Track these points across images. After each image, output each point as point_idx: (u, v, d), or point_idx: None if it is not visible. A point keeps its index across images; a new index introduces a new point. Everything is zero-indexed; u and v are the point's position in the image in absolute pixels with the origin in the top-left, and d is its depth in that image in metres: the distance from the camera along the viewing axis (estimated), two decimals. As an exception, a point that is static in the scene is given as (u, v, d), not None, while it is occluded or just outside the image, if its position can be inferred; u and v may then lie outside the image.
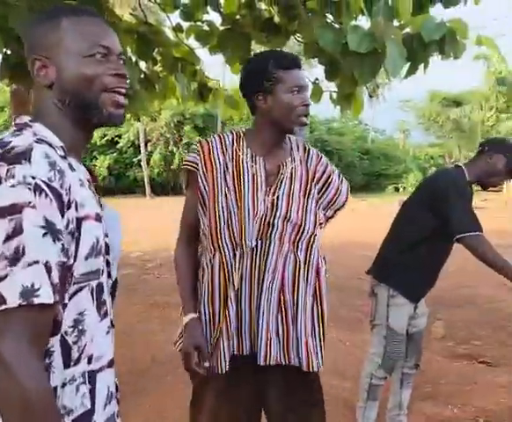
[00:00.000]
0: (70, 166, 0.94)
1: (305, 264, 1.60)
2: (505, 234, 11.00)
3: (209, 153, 1.64)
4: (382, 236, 2.68)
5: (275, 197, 1.59)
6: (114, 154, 31.08)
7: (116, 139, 30.80)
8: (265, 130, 1.63)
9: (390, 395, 2.77)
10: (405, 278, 2.43)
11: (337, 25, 3.09)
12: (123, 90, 1.02)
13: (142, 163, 30.43)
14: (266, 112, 1.61)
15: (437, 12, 3.29)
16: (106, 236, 1.02)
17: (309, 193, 1.64)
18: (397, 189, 32.21)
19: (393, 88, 38.48)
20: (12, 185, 0.81)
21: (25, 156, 0.84)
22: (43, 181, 0.83)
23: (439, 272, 2.57)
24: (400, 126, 43.76)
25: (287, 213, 1.57)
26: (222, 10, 3.81)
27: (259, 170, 1.61)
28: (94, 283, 0.97)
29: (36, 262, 0.80)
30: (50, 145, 0.91)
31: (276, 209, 1.57)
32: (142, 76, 4.25)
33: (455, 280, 5.84)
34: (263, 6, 3.93)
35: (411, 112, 38.96)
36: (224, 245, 1.57)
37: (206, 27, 3.96)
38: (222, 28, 3.77)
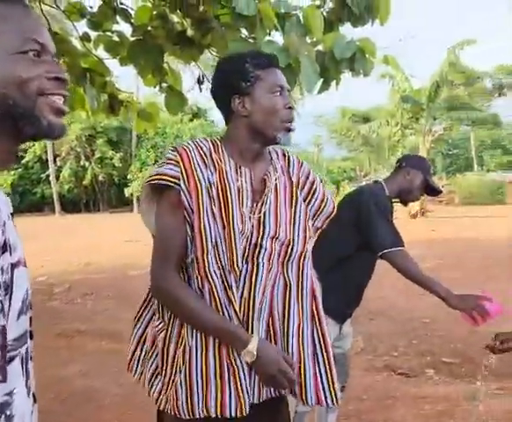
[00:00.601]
0: None
1: (298, 286, 1.42)
2: (414, 243, 11.67)
3: (190, 164, 1.38)
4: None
5: (262, 214, 1.39)
6: (19, 170, 29.20)
7: (21, 153, 28.97)
8: (245, 139, 1.42)
9: (315, 420, 2.67)
10: (329, 298, 2.39)
11: (251, 40, 3.09)
12: (64, 94, 0.83)
13: (50, 179, 28.85)
14: (244, 118, 1.41)
15: (347, 31, 3.39)
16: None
17: (296, 204, 1.47)
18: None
19: (307, 103, 39.84)
20: None
21: None
22: None
23: (364, 290, 2.55)
24: (314, 140, 45.38)
25: (275, 231, 1.39)
26: (132, 20, 3.67)
27: (244, 183, 1.40)
28: (23, 349, 0.78)
29: None
30: None
31: (264, 228, 1.38)
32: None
33: (371, 292, 6.02)
34: (176, 19, 3.84)
35: (324, 127, 40.57)
36: (213, 272, 1.35)
37: (116, 38, 3.80)
38: (132, 39, 3.62)
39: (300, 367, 1.39)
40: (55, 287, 7.54)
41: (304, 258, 1.45)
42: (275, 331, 1.39)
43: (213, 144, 1.44)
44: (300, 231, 1.45)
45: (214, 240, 1.34)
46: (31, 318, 0.84)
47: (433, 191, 2.55)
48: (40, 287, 7.49)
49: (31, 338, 0.84)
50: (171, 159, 1.39)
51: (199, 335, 1.35)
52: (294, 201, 1.47)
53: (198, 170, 1.37)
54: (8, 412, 0.73)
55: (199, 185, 1.36)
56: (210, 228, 1.34)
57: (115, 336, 4.94)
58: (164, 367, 1.41)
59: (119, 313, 5.82)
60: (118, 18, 3.72)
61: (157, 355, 1.44)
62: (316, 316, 1.45)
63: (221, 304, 1.34)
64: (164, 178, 1.37)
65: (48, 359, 4.10)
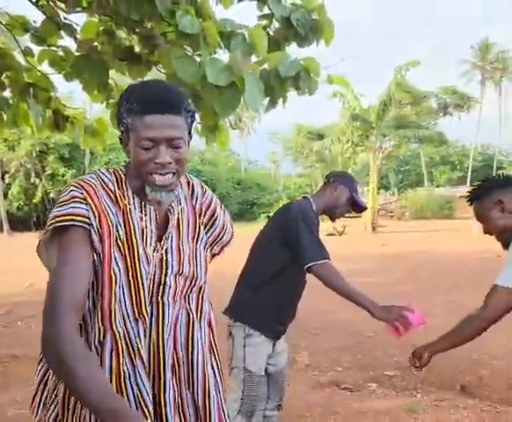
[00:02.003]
0: None
1: (197, 317, 1.39)
2: (365, 258, 11.93)
3: (99, 202, 1.26)
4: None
5: (164, 251, 1.33)
6: (-35, 187, 28.01)
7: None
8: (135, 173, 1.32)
9: None
10: (261, 315, 2.36)
11: (196, 57, 3.11)
12: None
13: (-2, 197, 27.79)
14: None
15: (292, 52, 3.47)
16: None
17: (198, 236, 1.42)
18: (269, 217, 33.42)
19: (262, 120, 40.30)
20: None
21: None
22: None
23: (297, 305, 2.55)
24: (271, 157, 45.88)
25: (179, 268, 1.33)
26: (77, 35, 3.62)
27: (148, 222, 1.32)
28: None
29: None
30: None
31: (167, 266, 1.32)
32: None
33: (316, 307, 6.05)
34: (123, 35, 3.82)
35: (279, 144, 41.10)
36: (117, 322, 1.25)
37: (60, 52, 3.74)
38: (77, 54, 3.57)
39: (204, 399, 1.36)
40: (-5, 310, 7.18)
41: (204, 289, 1.42)
42: (179, 364, 1.34)
43: (116, 178, 1.33)
44: (202, 264, 1.41)
45: (120, 288, 1.25)
46: None
47: (358, 207, 2.58)
48: (-21, 310, 7.11)
49: None
50: (76, 197, 1.25)
51: None
52: (197, 233, 1.42)
53: (107, 208, 1.27)
54: None
55: (111, 226, 1.26)
56: (118, 274, 1.25)
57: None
58: (65, 419, 1.30)
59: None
60: (63, 32, 3.67)
61: (57, 402, 1.32)
62: (214, 348, 1.45)
63: (124, 357, 1.26)
64: (73, 218, 1.23)
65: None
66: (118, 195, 1.30)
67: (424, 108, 25.94)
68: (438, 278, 9.03)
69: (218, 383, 1.43)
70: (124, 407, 1.13)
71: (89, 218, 1.24)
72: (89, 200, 1.26)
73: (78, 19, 3.72)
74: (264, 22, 3.67)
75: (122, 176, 1.34)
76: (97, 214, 1.25)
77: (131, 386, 1.26)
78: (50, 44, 3.73)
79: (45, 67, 3.86)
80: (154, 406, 1.29)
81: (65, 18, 3.59)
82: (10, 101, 4.13)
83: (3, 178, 28.58)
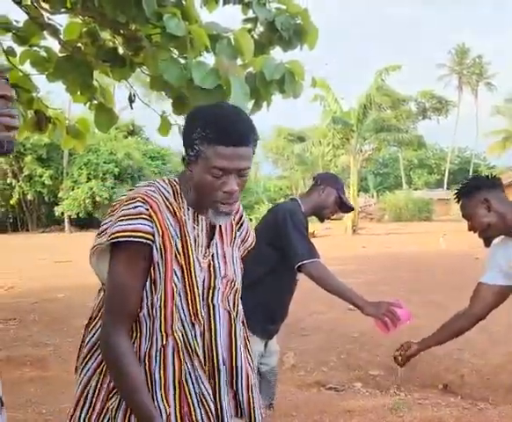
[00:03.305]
0: None
1: (235, 316, 1.44)
2: (345, 260, 12.04)
3: (162, 218, 1.30)
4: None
5: (211, 257, 1.39)
6: None
7: None
8: (194, 194, 1.36)
9: None
10: (253, 316, 2.39)
11: (182, 60, 3.12)
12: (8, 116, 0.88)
13: (-27, 198, 27.23)
14: (190, 179, 1.35)
15: (277, 56, 3.50)
16: None
17: (234, 239, 1.49)
18: (250, 219, 33.38)
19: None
20: None
21: None
22: None
23: (288, 304, 2.59)
24: (251, 159, 45.86)
25: (225, 271, 1.41)
26: (61, 36, 3.59)
27: (200, 231, 1.38)
28: None
29: None
30: None
31: (214, 270, 1.39)
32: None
33: (302, 308, 6.10)
34: (107, 36, 3.80)
35: (260, 146, 41.17)
36: (177, 327, 1.32)
37: (43, 53, 3.70)
38: (60, 55, 3.54)
39: (248, 398, 1.42)
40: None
41: (240, 290, 1.48)
42: (224, 363, 1.39)
43: (173, 190, 1.37)
44: (238, 266, 1.48)
45: (179, 296, 1.32)
46: None
47: (346, 207, 2.64)
48: None
49: None
50: (142, 213, 1.28)
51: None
52: (233, 237, 1.49)
53: (168, 223, 1.32)
54: None
55: (172, 241, 1.31)
56: (178, 284, 1.31)
57: (38, 363, 4.71)
58: None
59: (43, 338, 5.53)
60: (46, 33, 3.63)
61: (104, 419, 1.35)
62: (248, 344, 1.50)
63: (184, 357, 1.32)
64: (140, 235, 1.27)
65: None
66: (175, 207, 1.34)
67: (404, 112, 26.32)
68: (417, 278, 9.17)
69: (255, 381, 1.48)
70: (158, 416, 1.27)
71: (153, 235, 1.28)
72: (154, 217, 1.29)
73: (62, 20, 3.69)
74: (248, 26, 3.70)
75: (178, 187, 1.37)
76: (161, 232, 1.29)
77: (192, 384, 1.33)
78: (33, 44, 3.69)
79: (27, 67, 3.82)
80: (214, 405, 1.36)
81: (49, 19, 3.56)
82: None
83: (-22, 180, 28.02)
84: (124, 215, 1.28)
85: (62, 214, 29.68)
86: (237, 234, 1.51)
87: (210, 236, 1.42)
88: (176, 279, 1.32)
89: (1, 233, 28.35)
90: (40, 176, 29.26)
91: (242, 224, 1.54)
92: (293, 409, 3.44)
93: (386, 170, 48.54)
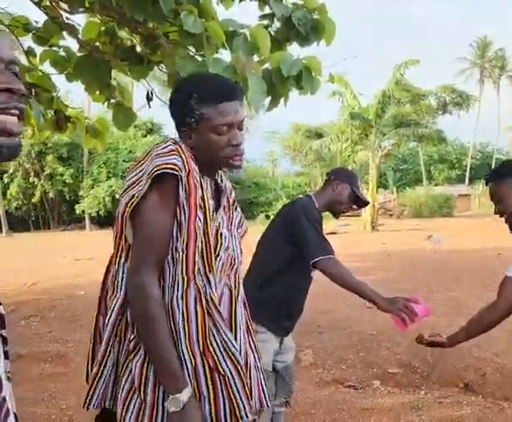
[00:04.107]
0: None
1: (237, 297, 1.42)
2: (364, 257, 11.95)
3: (188, 155, 1.32)
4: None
5: (217, 223, 1.39)
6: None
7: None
8: (199, 157, 1.38)
9: None
10: (268, 312, 2.37)
11: (199, 57, 3.12)
12: (18, 107, 0.78)
13: (-4, 197, 27.74)
14: (191, 149, 1.37)
15: (294, 52, 3.47)
16: None
17: (233, 219, 1.49)
18: (267, 217, 33.45)
19: (260, 119, 40.31)
20: None
21: None
22: None
23: (304, 301, 2.57)
24: (269, 156, 45.84)
25: (228, 243, 1.40)
26: (79, 36, 3.63)
27: (209, 192, 1.40)
28: None
29: None
30: None
31: (221, 237, 1.38)
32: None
33: (320, 306, 6.08)
34: (125, 35, 3.83)
35: (278, 143, 41.10)
36: (198, 274, 1.30)
37: (62, 53, 3.74)
38: (79, 54, 3.58)
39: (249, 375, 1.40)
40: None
41: (240, 271, 1.47)
42: None
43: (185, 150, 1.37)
44: (238, 246, 1.47)
45: (200, 241, 1.32)
46: (4, 339, 0.82)
47: (361, 202, 2.62)
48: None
49: (6, 357, 0.82)
50: (173, 150, 1.30)
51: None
52: (231, 215, 1.49)
53: (193, 167, 1.32)
54: None
55: (197, 184, 1.32)
56: (200, 228, 1.31)
57: (58, 359, 4.78)
58: (143, 389, 1.29)
59: (64, 335, 5.61)
60: (65, 33, 3.67)
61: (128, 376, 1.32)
62: (250, 327, 1.49)
63: (207, 308, 1.30)
64: (171, 166, 1.27)
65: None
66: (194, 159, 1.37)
67: (423, 106, 25.91)
68: (438, 275, 9.04)
69: (257, 362, 1.47)
70: (185, 376, 1.25)
71: (181, 170, 1.28)
72: (182, 155, 1.30)
73: (80, 20, 3.74)
74: (265, 22, 3.69)
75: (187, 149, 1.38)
76: (187, 169, 1.30)
77: (214, 336, 1.31)
78: (52, 44, 3.73)
79: (46, 67, 3.87)
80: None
81: (67, 19, 3.60)
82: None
83: (1, 178, 28.52)
84: (158, 154, 1.30)
85: (83, 212, 30.04)
86: (235, 214, 1.52)
87: (216, 203, 1.44)
88: (199, 222, 1.31)
89: (23, 231, 28.89)
90: (62, 174, 29.68)
91: (237, 207, 1.55)
92: (311, 406, 3.43)
93: (406, 166, 47.95)
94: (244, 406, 1.31)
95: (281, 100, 3.54)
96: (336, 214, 2.62)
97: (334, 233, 19.00)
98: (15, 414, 0.83)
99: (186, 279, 1.29)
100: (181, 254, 1.29)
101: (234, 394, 1.31)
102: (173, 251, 1.30)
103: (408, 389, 3.91)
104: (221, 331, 1.32)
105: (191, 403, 1.24)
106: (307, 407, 3.42)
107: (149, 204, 1.28)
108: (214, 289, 1.32)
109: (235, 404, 1.31)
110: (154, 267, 1.27)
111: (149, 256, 1.27)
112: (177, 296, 1.29)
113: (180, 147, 1.32)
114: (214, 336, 1.31)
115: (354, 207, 2.66)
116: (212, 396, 1.29)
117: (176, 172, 1.27)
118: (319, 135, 28.28)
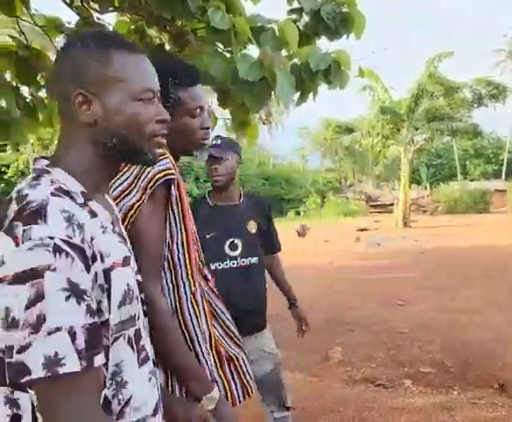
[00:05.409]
0: (91, 212, 0.90)
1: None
2: (398, 253, 11.76)
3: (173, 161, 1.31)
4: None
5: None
6: (1, 185, 28.81)
7: (4, 169, 28.61)
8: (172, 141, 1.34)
9: None
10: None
11: (227, 54, 3.12)
12: (164, 133, 1.00)
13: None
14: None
15: (323, 46, 3.44)
16: (138, 272, 1.00)
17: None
18: (298, 213, 33.33)
19: (291, 115, 40.20)
20: (30, 248, 0.77)
21: (40, 214, 0.79)
22: (62, 240, 0.79)
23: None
24: (299, 151, 45.67)
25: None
26: (110, 35, 3.69)
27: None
28: (131, 331, 0.93)
29: (58, 329, 0.76)
30: (68, 193, 0.87)
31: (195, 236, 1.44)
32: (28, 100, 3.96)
33: (349, 303, 6.01)
34: (154, 33, 3.87)
35: (308, 139, 40.89)
36: (197, 277, 1.34)
37: (94, 52, 3.81)
38: (110, 53, 3.63)
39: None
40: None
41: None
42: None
43: None
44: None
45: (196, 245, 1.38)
46: (144, 302, 1.01)
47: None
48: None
49: (145, 315, 1.02)
50: (162, 153, 1.23)
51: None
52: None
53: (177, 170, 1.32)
54: (118, 379, 0.89)
55: (184, 185, 1.34)
56: (193, 228, 1.34)
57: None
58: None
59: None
60: (96, 33, 3.74)
61: None
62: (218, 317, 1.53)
63: (208, 295, 1.38)
64: (166, 173, 1.24)
65: None
66: None
67: (457, 100, 25.23)
68: (471, 272, 8.82)
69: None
70: (208, 377, 1.28)
71: (173, 173, 1.27)
72: (169, 156, 1.29)
73: (110, 19, 3.79)
74: (293, 16, 3.66)
75: None
76: (176, 171, 1.29)
77: (216, 320, 1.38)
78: (84, 44, 3.81)
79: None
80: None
81: (98, 19, 3.66)
82: (46, 101, 4.23)
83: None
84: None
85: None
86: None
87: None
88: (191, 223, 1.33)
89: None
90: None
91: None
92: (340, 404, 3.40)
93: (440, 161, 46.89)
94: (251, 379, 1.41)
95: (310, 95, 3.51)
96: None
97: (365, 230, 18.80)
98: (153, 360, 1.01)
99: (192, 281, 1.29)
100: (182, 259, 1.28)
101: (243, 372, 1.39)
102: (168, 258, 1.29)
103: (440, 389, 3.83)
104: (217, 310, 1.39)
105: (222, 399, 1.29)
106: (335, 405, 3.39)
107: (146, 214, 1.25)
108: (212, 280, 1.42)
109: (245, 382, 1.39)
110: (157, 279, 1.26)
111: (151, 268, 1.25)
112: (186, 303, 1.28)
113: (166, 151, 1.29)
114: (216, 320, 1.37)
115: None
116: (226, 383, 1.36)
117: (173, 176, 1.25)
118: (350, 130, 27.99)
